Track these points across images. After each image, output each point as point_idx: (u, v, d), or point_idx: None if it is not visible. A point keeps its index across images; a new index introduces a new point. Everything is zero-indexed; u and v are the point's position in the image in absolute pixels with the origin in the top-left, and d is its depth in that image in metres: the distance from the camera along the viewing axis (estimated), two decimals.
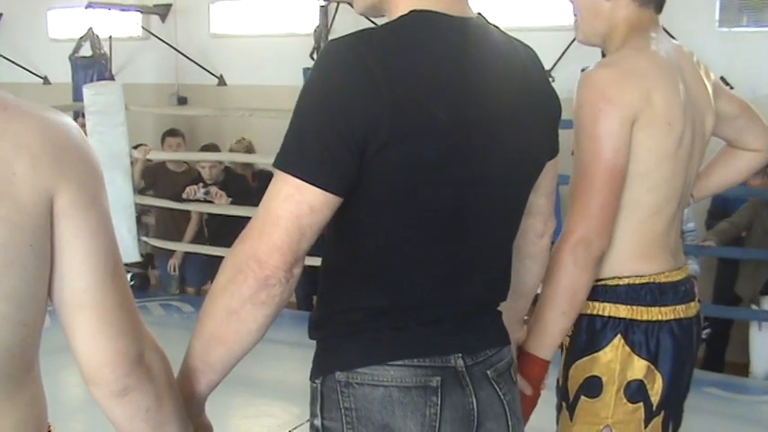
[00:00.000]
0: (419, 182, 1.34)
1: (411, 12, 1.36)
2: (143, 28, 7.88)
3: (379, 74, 1.27)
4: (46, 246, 1.06)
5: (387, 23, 1.38)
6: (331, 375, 1.42)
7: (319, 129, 1.28)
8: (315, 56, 6.62)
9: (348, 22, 6.48)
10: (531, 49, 1.53)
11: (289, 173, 1.28)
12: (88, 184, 1.09)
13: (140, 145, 6.38)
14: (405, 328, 1.42)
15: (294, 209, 1.27)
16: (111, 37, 7.55)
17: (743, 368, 5.27)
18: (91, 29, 7.37)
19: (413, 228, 1.38)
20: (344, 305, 1.45)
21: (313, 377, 1.46)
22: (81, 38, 7.46)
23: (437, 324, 1.44)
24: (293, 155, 1.29)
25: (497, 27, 1.48)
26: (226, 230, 5.94)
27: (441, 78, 1.33)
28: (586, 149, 1.79)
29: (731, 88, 5.62)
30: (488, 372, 1.48)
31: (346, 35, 1.33)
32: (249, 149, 6.42)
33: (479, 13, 1.46)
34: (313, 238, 1.30)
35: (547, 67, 1.60)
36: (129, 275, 6.10)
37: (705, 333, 5.18)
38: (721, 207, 5.53)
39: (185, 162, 6.56)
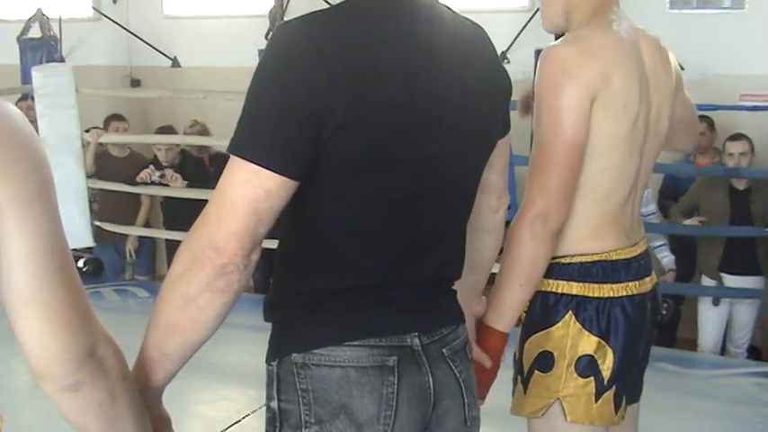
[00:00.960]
0: (373, 163, 1.34)
1: None
2: (94, 9, 7.74)
3: (333, 56, 1.27)
4: None
5: (338, 5, 1.37)
6: (287, 357, 1.42)
7: (274, 112, 1.27)
8: (272, 33, 6.55)
9: (303, 3, 6.42)
10: (480, 27, 1.53)
11: (244, 158, 1.26)
12: (32, 178, 1.05)
13: (93, 128, 6.28)
14: (360, 308, 1.42)
15: (251, 194, 1.26)
16: (60, 18, 7.41)
17: (692, 343, 5.38)
18: (39, 9, 7.21)
19: (366, 209, 1.39)
20: (299, 287, 1.45)
21: (269, 359, 1.46)
22: (29, 19, 7.30)
23: (392, 303, 1.44)
24: (248, 139, 1.28)
25: (447, 7, 1.48)
26: (182, 214, 5.89)
27: (393, 59, 1.33)
28: (546, 124, 1.81)
29: (682, 69, 5.69)
30: (444, 350, 1.50)
31: (297, 17, 1.32)
32: (203, 132, 6.36)
33: None
34: (270, 222, 1.29)
35: (502, 50, 1.62)
36: (82, 261, 6.12)
37: (664, 307, 5.27)
38: (671, 186, 5.63)
39: (129, 147, 6.47)
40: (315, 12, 1.33)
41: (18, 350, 1.12)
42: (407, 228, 1.43)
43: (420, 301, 1.48)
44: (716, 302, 5.22)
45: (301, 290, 1.44)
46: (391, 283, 1.44)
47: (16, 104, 6.65)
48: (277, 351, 1.45)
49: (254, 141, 1.28)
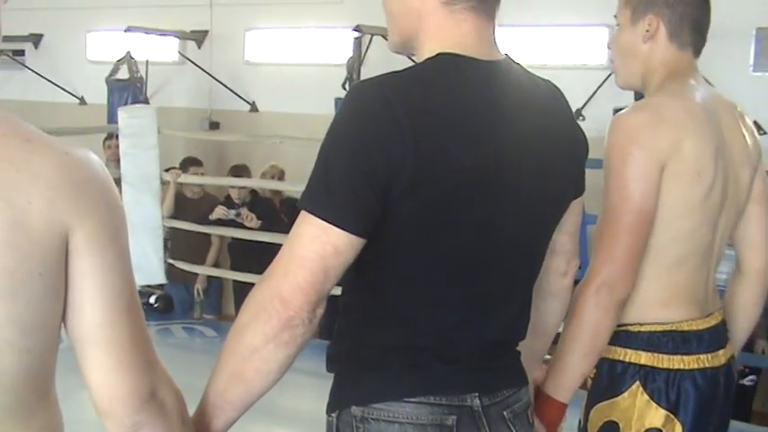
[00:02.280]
0: (440, 224, 1.35)
1: (438, 55, 1.38)
2: (179, 53, 7.98)
3: (404, 117, 1.28)
4: (58, 277, 1.06)
5: (413, 66, 1.39)
6: (347, 409, 1.42)
7: (345, 170, 1.29)
8: (347, 86, 6.66)
9: (381, 54, 6.51)
10: (555, 87, 1.54)
11: (314, 214, 1.29)
12: (106, 222, 1.10)
13: (172, 168, 6.44)
14: (422, 365, 1.42)
15: (319, 250, 1.28)
16: (147, 61, 7.65)
17: None
18: (128, 52, 7.48)
19: (432, 268, 1.39)
20: (362, 340, 1.45)
21: (329, 410, 1.46)
22: (118, 60, 7.57)
23: (455, 362, 1.43)
24: (319, 195, 1.30)
25: (522, 67, 1.48)
26: (250, 256, 5.98)
27: (464, 123, 1.34)
28: (614, 192, 1.78)
29: (764, 133, 5.59)
30: (505, 412, 1.48)
31: (372, 78, 1.35)
32: (280, 177, 6.47)
33: (506, 55, 1.46)
34: (337, 278, 1.31)
35: (578, 106, 1.61)
36: (153, 297, 6.24)
37: (749, 380, 5.08)
38: None
39: (203, 189, 6.62)
40: (389, 73, 1.35)
41: (79, 385, 1.14)
42: (472, 288, 1.43)
43: (483, 362, 1.47)
44: None
45: (363, 344, 1.45)
46: (454, 343, 1.44)
47: (104, 143, 6.89)
48: (337, 402, 1.45)
49: (324, 198, 1.30)
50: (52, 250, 1.05)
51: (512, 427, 1.48)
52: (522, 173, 1.40)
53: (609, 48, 2.03)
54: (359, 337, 1.45)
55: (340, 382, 1.47)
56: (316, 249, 1.28)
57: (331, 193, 1.29)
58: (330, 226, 1.28)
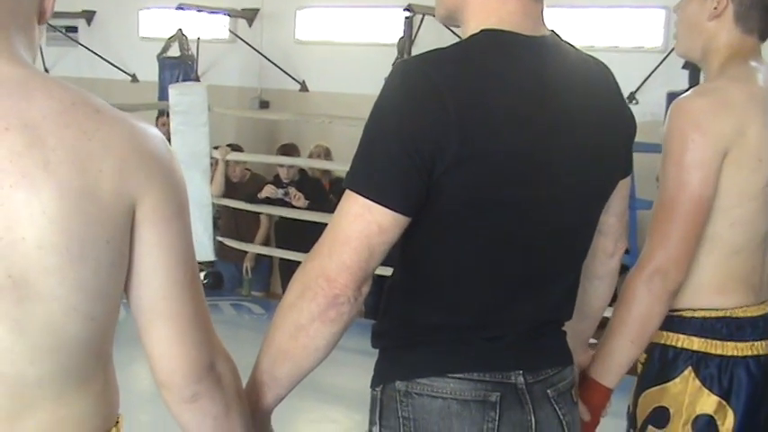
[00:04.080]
0: (486, 202, 1.34)
1: (482, 31, 1.37)
2: (230, 31, 8.02)
3: (448, 95, 1.28)
4: (124, 246, 1.09)
5: (457, 43, 1.39)
6: (391, 384, 1.43)
7: (389, 148, 1.29)
8: (390, 71, 6.62)
9: (432, 34, 6.47)
10: (605, 66, 1.52)
11: (359, 192, 1.29)
12: (172, 195, 1.12)
13: (220, 146, 6.51)
14: (466, 342, 1.43)
15: (363, 229, 1.28)
16: (198, 38, 7.71)
17: None
18: (180, 30, 7.54)
19: (478, 247, 1.39)
20: (407, 318, 1.46)
21: (374, 385, 1.47)
22: (170, 38, 7.65)
23: (499, 340, 1.44)
24: (363, 175, 1.31)
25: (570, 44, 1.47)
26: (296, 235, 6.03)
27: (510, 100, 1.33)
28: (672, 178, 1.75)
29: None
30: (549, 391, 1.48)
31: (417, 55, 1.35)
32: (326, 156, 6.49)
33: (553, 31, 1.45)
34: (382, 257, 1.32)
35: (631, 90, 1.58)
36: (203, 274, 6.34)
37: None
38: None
39: (249, 170, 6.68)
40: (433, 50, 1.35)
41: (140, 354, 1.17)
42: (518, 268, 1.42)
43: (527, 340, 1.47)
44: None
45: (408, 321, 1.45)
46: (499, 322, 1.44)
47: (156, 120, 6.98)
48: (381, 377, 1.46)
49: (368, 177, 1.30)
50: (120, 219, 1.07)
51: (555, 406, 1.48)
52: (568, 151, 1.39)
53: (674, 11, 1.99)
54: (404, 314, 1.46)
55: (385, 357, 1.48)
56: (360, 228, 1.28)
57: (375, 172, 1.30)
58: (374, 204, 1.28)
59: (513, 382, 1.43)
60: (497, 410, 1.41)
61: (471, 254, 1.39)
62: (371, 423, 1.47)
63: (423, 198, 1.30)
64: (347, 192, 1.31)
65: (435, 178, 1.29)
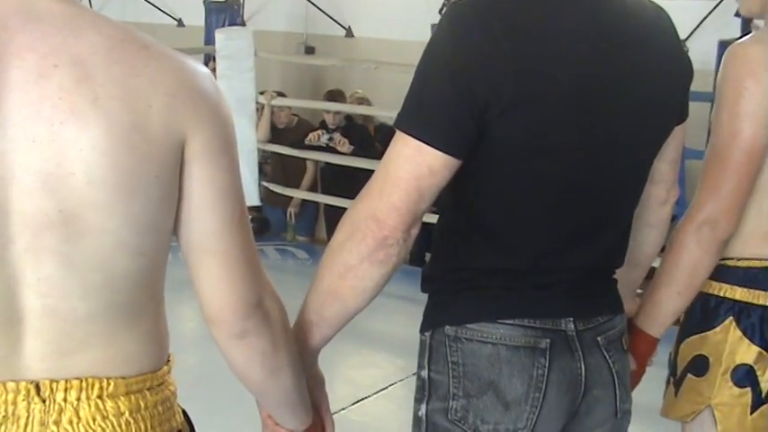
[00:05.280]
0: (539, 147, 1.33)
1: None
2: None
3: (502, 36, 1.27)
4: (173, 182, 1.09)
5: None
6: (440, 329, 1.44)
7: (440, 90, 1.28)
8: (443, 12, 6.55)
9: None
10: (662, 10, 1.48)
11: (409, 133, 1.29)
12: (221, 132, 1.12)
13: (266, 92, 6.52)
14: (517, 288, 1.43)
15: (414, 170, 1.28)
16: None
17: None
18: None
19: (531, 192, 1.38)
20: (458, 263, 1.46)
21: (423, 330, 1.48)
22: None
23: (550, 287, 1.44)
24: (414, 115, 1.30)
25: None
26: (341, 181, 6.05)
27: (565, 42, 1.32)
28: (725, 127, 1.72)
29: None
30: (599, 338, 1.48)
31: None
32: (363, 103, 6.48)
33: None
34: (432, 199, 1.31)
35: (682, 37, 1.55)
36: (249, 218, 6.43)
37: None
38: None
39: (296, 116, 6.67)
40: None
41: (185, 297, 1.19)
42: (572, 214, 1.42)
43: (578, 288, 1.47)
44: None
45: (459, 266, 1.46)
46: (551, 268, 1.44)
47: (206, 65, 6.99)
48: (431, 322, 1.47)
49: (419, 118, 1.29)
50: (169, 154, 1.07)
51: (605, 353, 1.48)
52: (626, 95, 1.37)
53: None
54: (455, 259, 1.46)
55: (435, 302, 1.49)
56: (410, 169, 1.28)
57: (426, 113, 1.29)
58: (424, 145, 1.27)
59: (563, 328, 1.44)
60: (547, 357, 1.41)
61: (526, 198, 1.39)
62: (420, 367, 1.48)
63: (474, 140, 1.30)
64: (398, 132, 1.31)
65: (488, 120, 1.28)
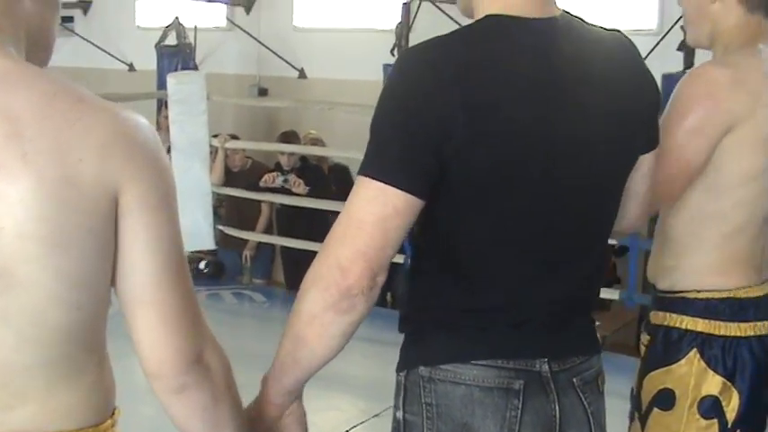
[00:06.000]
0: (498, 181, 1.34)
1: (485, 17, 1.37)
2: (228, 19, 8.00)
3: (450, 76, 1.29)
4: (108, 235, 1.08)
5: (458, 30, 1.39)
6: (415, 369, 1.43)
7: (397, 134, 1.30)
8: (395, 52, 6.63)
9: (430, 20, 6.45)
10: (624, 37, 1.49)
11: (371, 177, 1.29)
12: (158, 184, 1.11)
13: (219, 135, 6.49)
14: (490, 328, 1.42)
15: (378, 212, 1.28)
16: (196, 27, 7.68)
17: None
18: (177, 18, 7.51)
19: (495, 228, 1.38)
20: (430, 303, 1.45)
21: (398, 369, 1.47)
22: (167, 27, 7.61)
23: (524, 325, 1.43)
24: (374, 159, 1.31)
25: (583, 21, 1.45)
26: (298, 223, 6.03)
27: (517, 83, 1.33)
28: (671, 137, 1.74)
29: None
30: (574, 379, 1.47)
31: (419, 43, 1.37)
32: (317, 143, 6.50)
33: (564, 11, 1.44)
34: (397, 243, 1.31)
35: None
36: (204, 262, 6.32)
37: None
38: None
39: (250, 159, 6.67)
40: (436, 37, 1.36)
41: (132, 349, 1.16)
42: (539, 248, 1.42)
43: (553, 326, 1.46)
44: None
45: (431, 306, 1.45)
46: (524, 304, 1.43)
47: (158, 111, 6.95)
48: (406, 362, 1.46)
49: (379, 161, 1.31)
50: (102, 207, 1.06)
51: (581, 395, 1.47)
52: (583, 129, 1.38)
53: (679, 4, 1.99)
54: (427, 298, 1.46)
55: (410, 341, 1.47)
56: (374, 211, 1.28)
57: (386, 157, 1.31)
58: (387, 186, 1.28)
59: (537, 369, 1.42)
60: (521, 398, 1.40)
61: (489, 234, 1.39)
62: (395, 407, 1.47)
63: (435, 179, 1.31)
64: (359, 178, 1.31)
65: (446, 160, 1.30)
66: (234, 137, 6.69)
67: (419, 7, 6.59)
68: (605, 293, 4.57)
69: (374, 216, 1.28)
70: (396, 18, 6.71)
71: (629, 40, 1.50)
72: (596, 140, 1.40)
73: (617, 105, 1.43)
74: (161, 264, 1.12)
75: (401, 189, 1.28)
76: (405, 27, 6.60)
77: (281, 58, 7.67)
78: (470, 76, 1.30)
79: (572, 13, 1.45)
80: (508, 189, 1.35)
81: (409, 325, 1.48)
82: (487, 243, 1.39)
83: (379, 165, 1.30)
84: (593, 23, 1.47)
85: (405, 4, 6.59)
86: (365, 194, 1.29)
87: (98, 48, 8.54)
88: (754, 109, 1.76)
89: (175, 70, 7.06)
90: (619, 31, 1.50)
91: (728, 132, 1.75)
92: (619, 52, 1.46)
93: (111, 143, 1.06)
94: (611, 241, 5.00)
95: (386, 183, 1.28)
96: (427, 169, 1.29)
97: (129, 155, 1.08)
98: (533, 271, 1.42)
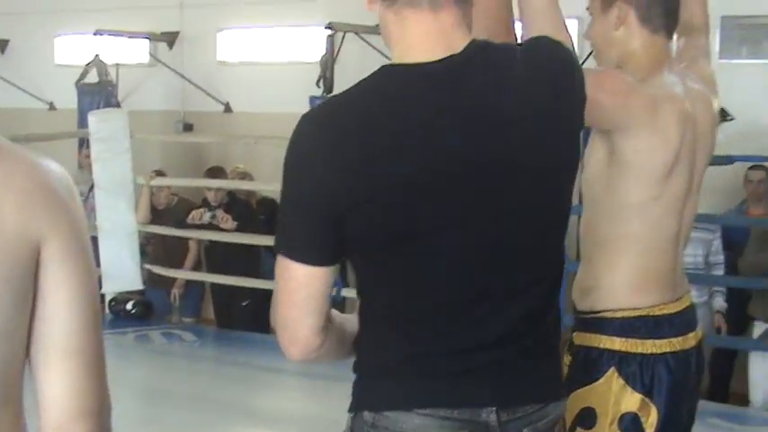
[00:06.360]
0: (398, 236, 1.34)
1: (380, 68, 1.36)
2: (150, 55, 7.93)
3: (334, 143, 1.31)
4: (27, 285, 1.06)
5: (350, 88, 1.37)
6: (360, 413, 1.42)
7: (291, 207, 1.37)
8: (321, 84, 6.66)
9: (354, 51, 6.51)
10: (552, 46, 1.41)
11: (279, 253, 1.38)
12: (78, 233, 1.10)
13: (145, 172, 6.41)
14: (433, 375, 1.39)
15: (287, 286, 1.37)
16: (118, 64, 7.60)
17: (745, 398, 5.24)
18: (97, 55, 7.41)
19: (414, 276, 1.38)
20: (376, 347, 1.44)
21: (349, 409, 1.46)
22: (88, 64, 7.51)
23: (470, 372, 1.38)
24: (278, 236, 1.39)
25: (495, 46, 1.39)
26: (227, 259, 5.98)
27: (404, 135, 1.31)
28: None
29: (732, 119, 5.64)
30: (525, 430, 1.41)
31: (310, 111, 1.41)
32: (245, 178, 6.47)
33: (474, 40, 1.37)
34: (325, 301, 1.38)
35: None
36: (131, 303, 6.19)
37: None
38: (725, 238, 5.52)
39: (176, 195, 6.60)
40: (330, 97, 1.40)
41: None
42: (465, 291, 1.38)
43: (503, 371, 1.40)
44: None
45: (378, 350, 1.44)
46: (466, 349, 1.39)
47: (80, 150, 6.82)
48: (354, 404, 1.45)
49: (282, 237, 1.39)
50: (23, 258, 1.04)
51: None
52: (496, 164, 1.33)
53: (586, 38, 2.05)
54: (373, 343, 1.45)
55: (358, 384, 1.46)
56: (293, 287, 1.37)
57: (286, 232, 1.38)
58: (290, 261, 1.36)
59: (484, 419, 1.37)
60: None
61: (412, 283, 1.38)
62: None
63: (338, 244, 1.34)
64: (278, 255, 1.39)
65: (346, 223, 1.32)
66: (160, 173, 6.61)
67: (343, 39, 6.65)
68: None
69: (294, 291, 1.37)
70: (320, 50, 6.76)
71: (558, 45, 1.42)
72: (517, 171, 1.35)
73: (541, 130, 1.36)
74: (83, 313, 1.10)
75: (301, 263, 1.35)
76: (329, 59, 6.65)
77: (205, 92, 7.63)
78: (357, 136, 1.31)
79: (486, 41, 1.38)
80: (412, 239, 1.33)
81: (358, 367, 1.47)
82: (411, 292, 1.39)
83: (283, 241, 1.38)
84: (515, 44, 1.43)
85: (329, 36, 6.64)
86: (277, 270, 1.39)
87: (17, 87, 8.37)
88: (655, 120, 1.84)
89: (97, 108, 6.95)
90: (546, 37, 1.44)
91: (634, 132, 1.83)
92: (538, 70, 1.38)
93: (31, 192, 1.05)
94: None
95: (288, 258, 1.36)
96: (324, 239, 1.34)
97: (49, 205, 1.06)
98: (471, 314, 1.38)
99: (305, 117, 1.36)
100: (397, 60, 1.36)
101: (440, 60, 1.33)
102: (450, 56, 1.34)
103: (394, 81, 1.35)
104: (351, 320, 1.49)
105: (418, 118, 1.32)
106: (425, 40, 1.34)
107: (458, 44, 1.35)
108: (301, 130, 1.35)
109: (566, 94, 1.39)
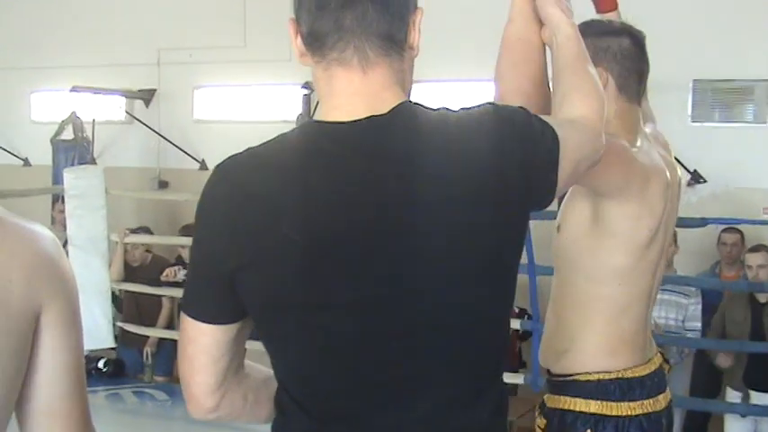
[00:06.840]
0: (283, 305, 1.26)
1: (301, 125, 1.35)
2: (127, 112, 7.95)
3: (235, 199, 1.27)
4: (25, 354, 1.08)
5: (278, 137, 1.32)
6: None
7: (193, 266, 1.37)
8: None
9: None
10: (484, 110, 1.30)
11: (185, 312, 1.36)
12: (72, 298, 1.13)
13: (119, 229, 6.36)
14: None
15: (195, 346, 1.34)
16: (94, 120, 7.60)
17: None
18: (74, 112, 7.42)
19: (301, 351, 1.30)
20: (279, 417, 1.39)
21: None
22: (63, 121, 7.51)
23: None
24: (185, 296, 1.37)
25: (423, 109, 1.29)
26: None
27: (302, 199, 1.24)
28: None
29: (704, 181, 5.70)
30: None
31: (233, 155, 1.33)
32: None
33: (405, 102, 1.29)
34: (227, 360, 1.35)
35: None
36: (102, 362, 6.09)
37: None
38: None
39: (151, 253, 6.55)
40: (250, 147, 1.32)
41: None
42: (365, 374, 1.28)
43: None
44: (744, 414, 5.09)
45: (279, 418, 1.39)
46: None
47: (53, 206, 6.77)
48: None
49: (188, 297, 1.36)
50: (27, 327, 1.06)
51: None
52: (407, 233, 1.22)
53: None
54: (282, 418, 1.38)
55: None
56: (194, 346, 1.34)
57: (189, 291, 1.36)
58: (193, 321, 1.34)
59: None
60: None
61: (307, 359, 1.30)
62: None
63: (234, 303, 1.30)
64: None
65: (236, 283, 1.27)
66: (134, 231, 6.57)
67: None
68: (511, 378, 4.61)
69: (194, 349, 1.34)
70: (297, 108, 6.80)
71: (489, 108, 1.31)
72: (425, 249, 1.23)
73: (469, 191, 1.24)
74: (75, 375, 1.13)
75: (193, 318, 1.33)
76: (306, 117, 6.69)
77: (181, 150, 7.64)
78: (249, 201, 1.25)
79: (417, 104, 1.30)
80: (291, 313, 1.26)
81: None
82: (307, 368, 1.31)
83: (188, 300, 1.36)
84: (452, 108, 1.31)
85: (305, 95, 6.70)
86: (185, 332, 1.36)
87: None
88: (646, 187, 1.88)
89: (72, 164, 6.94)
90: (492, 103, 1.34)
91: (623, 198, 1.85)
92: (468, 131, 1.27)
93: (34, 262, 1.07)
94: (515, 326, 5.11)
95: (183, 311, 1.35)
96: (215, 297, 1.31)
97: (50, 274, 1.09)
98: (374, 395, 1.28)
99: (216, 166, 1.32)
100: (321, 117, 1.31)
101: (358, 121, 1.26)
102: (371, 117, 1.26)
103: (308, 139, 1.29)
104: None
105: (322, 182, 1.23)
106: (350, 100, 1.28)
107: (385, 105, 1.27)
108: (209, 180, 1.32)
109: (510, 166, 1.26)
